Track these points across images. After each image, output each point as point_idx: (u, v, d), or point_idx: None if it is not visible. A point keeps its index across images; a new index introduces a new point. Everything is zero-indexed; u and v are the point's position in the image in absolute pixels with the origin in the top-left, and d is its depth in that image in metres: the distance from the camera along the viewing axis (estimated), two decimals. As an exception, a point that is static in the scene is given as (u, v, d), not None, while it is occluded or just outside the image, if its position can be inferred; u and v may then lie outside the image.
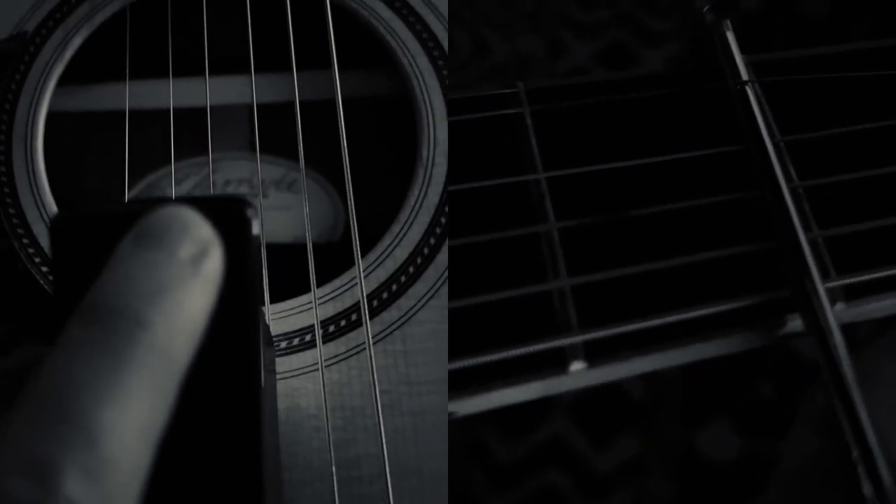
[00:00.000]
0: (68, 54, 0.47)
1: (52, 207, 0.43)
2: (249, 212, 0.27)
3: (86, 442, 0.22)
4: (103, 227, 0.26)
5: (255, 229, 0.27)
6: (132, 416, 0.23)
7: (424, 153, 0.43)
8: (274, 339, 0.40)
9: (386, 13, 0.47)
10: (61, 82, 0.46)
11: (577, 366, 0.29)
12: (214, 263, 0.26)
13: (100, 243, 0.25)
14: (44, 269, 0.41)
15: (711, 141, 0.33)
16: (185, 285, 0.25)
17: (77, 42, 0.47)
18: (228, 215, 0.26)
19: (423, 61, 0.45)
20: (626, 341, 0.29)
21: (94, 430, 0.22)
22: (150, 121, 0.46)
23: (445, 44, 0.46)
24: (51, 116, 0.46)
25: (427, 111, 0.44)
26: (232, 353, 0.26)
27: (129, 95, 0.46)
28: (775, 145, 0.32)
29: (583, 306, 0.29)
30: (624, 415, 0.53)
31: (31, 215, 0.43)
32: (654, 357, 0.29)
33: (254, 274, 0.27)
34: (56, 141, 0.46)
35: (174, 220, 0.26)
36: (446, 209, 0.42)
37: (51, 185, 0.44)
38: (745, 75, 0.34)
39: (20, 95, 0.45)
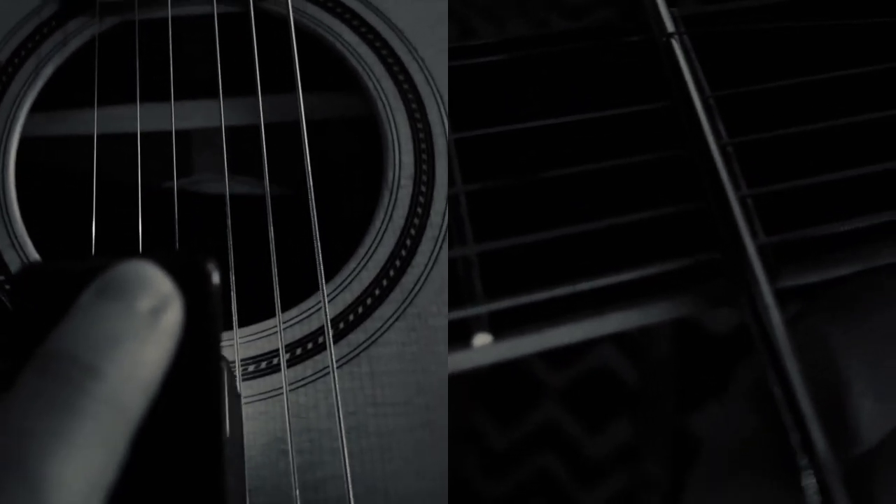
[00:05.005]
0: (40, 82, 0.47)
1: (23, 234, 0.43)
2: (210, 266, 0.27)
3: (32, 496, 0.22)
4: (66, 280, 0.26)
5: (216, 280, 0.27)
6: (81, 469, 0.23)
7: (390, 175, 0.44)
8: (242, 362, 0.40)
9: (351, 38, 0.47)
10: (34, 109, 0.47)
11: (481, 339, 0.27)
12: (173, 317, 0.26)
13: (61, 296, 0.26)
14: (12, 297, 0.41)
15: (635, 98, 0.31)
16: (142, 337, 0.25)
17: (49, 70, 0.48)
18: (190, 270, 0.27)
19: (388, 84, 0.46)
20: (536, 312, 0.27)
21: (41, 485, 0.22)
22: (128, 144, 0.46)
23: (411, 68, 0.46)
24: (23, 143, 0.46)
25: (392, 134, 0.45)
26: (192, 406, 0.26)
27: (101, 121, 0.46)
28: (704, 101, 0.31)
29: (489, 275, 0.27)
30: (617, 398, 0.53)
31: (2, 242, 0.43)
32: (568, 328, 0.27)
33: (214, 329, 0.27)
34: (28, 167, 0.46)
35: (135, 273, 0.26)
36: (412, 231, 0.42)
37: (22, 212, 0.44)
38: (670, 28, 0.32)
39: (-8, 124, 0.46)
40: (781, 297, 0.28)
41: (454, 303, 0.27)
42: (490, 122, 0.30)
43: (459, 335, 0.27)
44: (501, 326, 0.27)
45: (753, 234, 0.29)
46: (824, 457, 0.26)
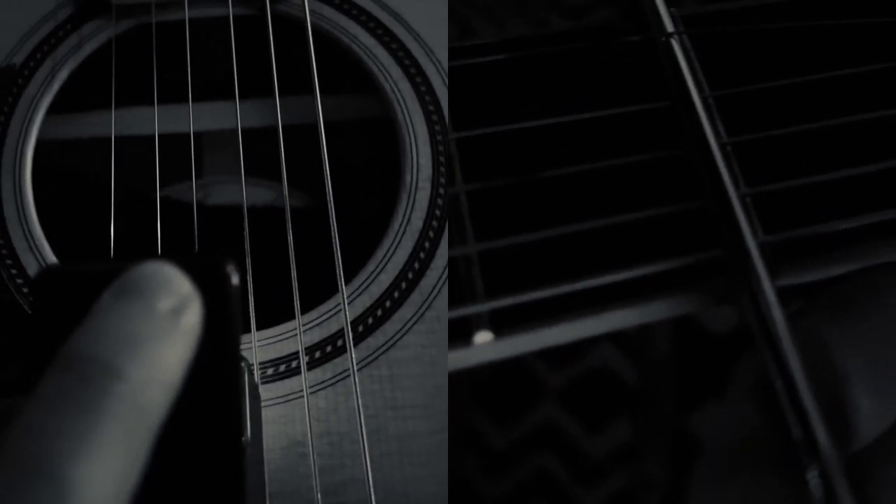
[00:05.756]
0: (56, 85, 0.47)
1: (41, 237, 0.43)
2: (229, 268, 0.27)
3: (57, 498, 0.22)
4: (86, 281, 0.26)
5: (235, 281, 0.27)
6: (104, 469, 0.23)
7: (408, 178, 0.44)
8: (261, 365, 0.40)
9: (368, 40, 0.47)
10: (50, 112, 0.47)
11: (482, 337, 0.27)
12: (193, 317, 0.26)
13: (81, 297, 0.26)
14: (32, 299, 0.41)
15: (635, 97, 0.31)
16: (163, 337, 0.25)
17: (65, 73, 0.47)
18: (209, 272, 0.27)
19: (405, 86, 0.46)
20: (538, 310, 0.27)
21: (65, 486, 0.22)
22: (143, 146, 0.46)
23: (428, 70, 0.46)
24: (40, 145, 0.46)
25: (410, 136, 0.45)
26: (212, 406, 0.26)
27: (118, 123, 0.46)
28: (704, 100, 0.31)
29: (490, 273, 0.28)
30: (617, 398, 0.53)
31: (20, 245, 0.43)
32: (570, 326, 0.27)
33: (234, 330, 0.27)
34: (45, 169, 0.46)
35: (154, 274, 0.26)
36: (430, 234, 0.42)
37: (39, 214, 0.44)
38: (669, 27, 0.32)
39: (8, 127, 0.46)
40: (779, 296, 0.28)
41: (455, 301, 0.27)
42: (491, 122, 0.30)
43: (460, 333, 0.27)
44: (502, 324, 0.27)
45: (754, 233, 0.29)
46: (827, 452, 0.26)
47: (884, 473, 0.28)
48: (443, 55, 0.46)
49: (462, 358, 0.27)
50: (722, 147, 0.30)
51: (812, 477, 0.26)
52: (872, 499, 0.27)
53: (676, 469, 0.52)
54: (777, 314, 0.27)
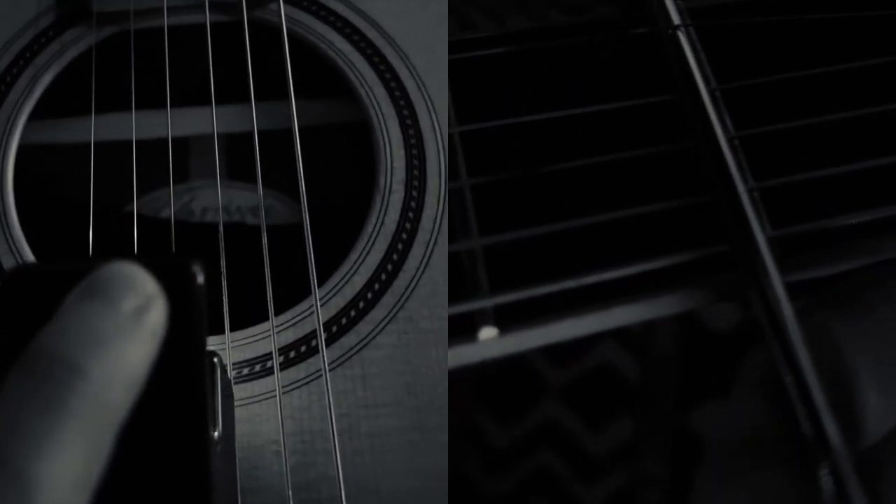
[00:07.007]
0: (38, 92, 0.48)
1: (21, 241, 0.44)
2: (195, 268, 0.28)
3: (18, 494, 0.22)
4: (56, 280, 0.27)
5: (201, 281, 0.28)
6: (66, 466, 0.23)
7: (382, 181, 0.44)
8: (236, 366, 0.41)
9: (344, 46, 0.48)
10: (32, 118, 0.48)
11: (487, 333, 0.27)
12: (157, 317, 0.26)
13: (51, 296, 0.26)
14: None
15: (641, 90, 0.31)
16: (126, 336, 0.26)
17: (47, 79, 0.48)
18: (175, 272, 0.27)
19: (380, 91, 0.46)
20: (542, 305, 0.27)
21: (26, 482, 0.23)
22: (125, 151, 0.47)
23: (402, 74, 0.47)
24: (22, 150, 0.47)
25: (384, 140, 0.45)
26: (177, 404, 0.27)
27: (99, 129, 0.47)
28: (711, 94, 0.31)
29: (495, 268, 0.27)
30: (618, 396, 0.54)
31: (1, 248, 0.44)
32: (574, 322, 0.27)
33: (199, 329, 0.27)
34: (27, 174, 0.47)
35: (119, 274, 0.26)
36: (403, 236, 0.43)
37: (20, 219, 0.45)
38: (676, 20, 0.32)
39: (-9, 133, 0.47)
40: (787, 291, 0.28)
41: (459, 297, 0.27)
42: (495, 116, 0.30)
43: (464, 329, 0.27)
44: (507, 320, 0.27)
45: (762, 227, 0.29)
46: (839, 448, 0.26)
47: (892, 470, 0.28)
48: (417, 60, 0.47)
49: (466, 354, 0.27)
50: (729, 141, 0.30)
51: (823, 474, 0.26)
52: (881, 496, 0.27)
53: (677, 467, 0.52)
54: (786, 309, 0.27)
